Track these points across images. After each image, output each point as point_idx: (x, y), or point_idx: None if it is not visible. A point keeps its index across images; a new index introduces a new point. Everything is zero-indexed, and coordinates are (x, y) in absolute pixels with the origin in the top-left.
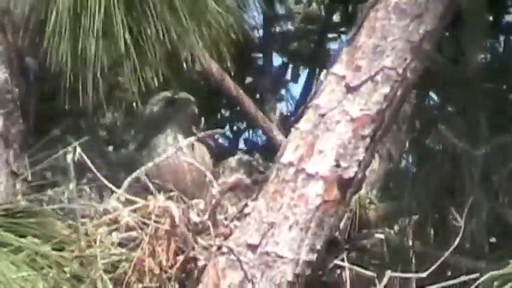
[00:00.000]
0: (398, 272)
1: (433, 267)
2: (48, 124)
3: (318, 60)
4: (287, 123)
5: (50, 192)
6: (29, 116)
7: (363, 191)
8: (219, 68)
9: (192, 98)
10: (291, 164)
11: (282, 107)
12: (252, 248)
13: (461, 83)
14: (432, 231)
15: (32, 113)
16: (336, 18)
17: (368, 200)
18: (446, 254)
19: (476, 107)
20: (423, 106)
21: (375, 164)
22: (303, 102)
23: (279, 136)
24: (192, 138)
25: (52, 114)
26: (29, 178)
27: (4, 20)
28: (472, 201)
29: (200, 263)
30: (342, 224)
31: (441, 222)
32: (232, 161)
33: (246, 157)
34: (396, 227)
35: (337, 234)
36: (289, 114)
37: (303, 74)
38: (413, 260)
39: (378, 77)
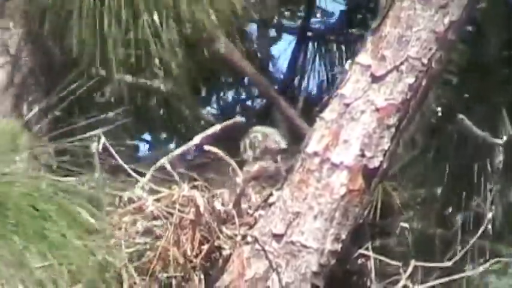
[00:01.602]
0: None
1: (458, 256)
2: (73, 113)
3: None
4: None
5: (75, 180)
6: (54, 105)
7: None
8: (240, 53)
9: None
10: (316, 154)
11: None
12: (277, 237)
13: (482, 70)
14: (456, 219)
15: (57, 101)
16: None
17: (392, 188)
18: (472, 242)
19: (497, 93)
20: (444, 93)
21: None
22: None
23: (302, 124)
24: (214, 128)
25: (77, 103)
26: (54, 167)
27: (29, 7)
28: (495, 188)
29: (225, 252)
30: (366, 213)
31: (465, 210)
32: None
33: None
34: (420, 215)
35: (361, 222)
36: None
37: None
38: (438, 248)
39: (403, 67)
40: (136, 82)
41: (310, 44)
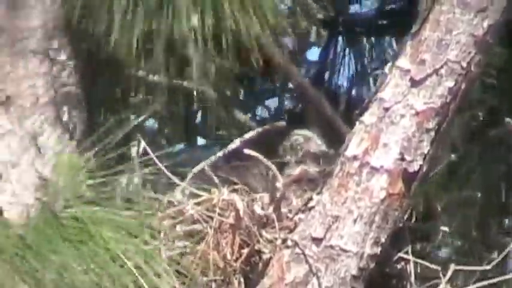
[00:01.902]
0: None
1: (497, 259)
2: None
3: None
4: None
5: (114, 183)
6: (93, 108)
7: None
8: (283, 57)
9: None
10: (355, 158)
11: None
12: (317, 241)
13: None
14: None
15: (96, 103)
16: None
17: (433, 191)
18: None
19: None
20: (487, 97)
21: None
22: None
23: (343, 128)
24: (255, 131)
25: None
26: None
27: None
28: None
29: (265, 256)
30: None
31: (505, 214)
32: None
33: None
34: (461, 218)
35: (401, 226)
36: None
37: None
38: (478, 252)
39: (442, 71)
40: (175, 84)
41: (340, 38)
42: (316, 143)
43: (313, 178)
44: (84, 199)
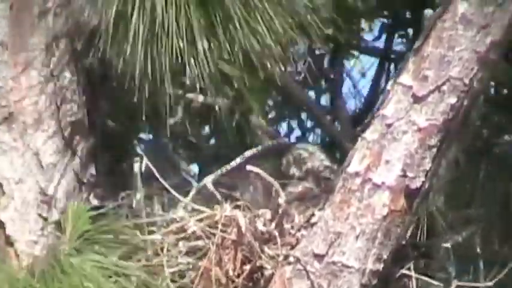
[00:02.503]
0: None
1: (499, 276)
2: (114, 134)
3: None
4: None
5: (117, 200)
6: (95, 125)
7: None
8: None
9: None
10: (357, 174)
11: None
12: (319, 257)
13: None
14: (500, 240)
15: (99, 120)
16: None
17: (435, 208)
18: None
19: None
20: (490, 113)
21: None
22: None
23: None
24: (259, 148)
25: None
26: (97, 187)
27: (72, 29)
28: None
29: (267, 272)
30: (408, 233)
31: (508, 230)
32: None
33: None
34: (464, 235)
35: (403, 243)
36: (358, 111)
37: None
38: (481, 268)
39: (445, 87)
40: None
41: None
42: (319, 158)
43: (316, 195)
44: (90, 248)
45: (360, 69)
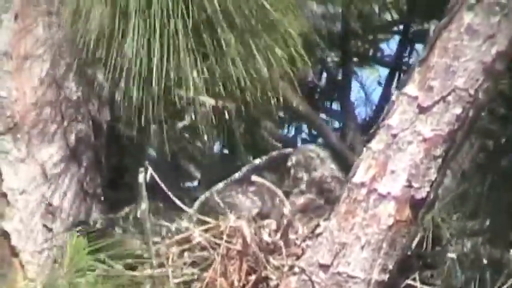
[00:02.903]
0: None
1: (506, 286)
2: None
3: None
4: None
5: (122, 211)
6: (101, 135)
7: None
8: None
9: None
10: (362, 184)
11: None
12: (324, 268)
13: None
14: (505, 250)
15: (104, 131)
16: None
17: (440, 218)
18: None
19: None
20: (496, 125)
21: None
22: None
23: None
24: (260, 160)
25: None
26: (102, 198)
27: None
28: None
29: (272, 283)
30: (414, 243)
31: None
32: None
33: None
34: (469, 245)
35: (409, 253)
36: (368, 118)
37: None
38: (487, 279)
39: (450, 98)
40: None
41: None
42: (329, 167)
43: (319, 206)
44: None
45: (376, 77)
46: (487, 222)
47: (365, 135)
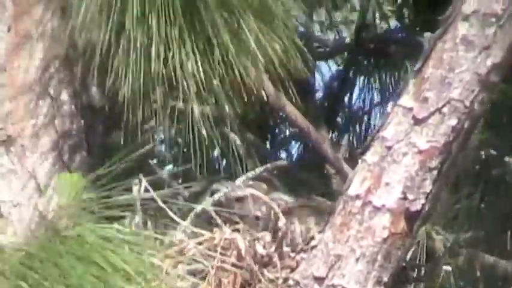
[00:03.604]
0: None
1: None
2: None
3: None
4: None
5: (116, 223)
6: (93, 147)
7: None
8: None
9: None
10: (357, 197)
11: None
12: (319, 280)
13: None
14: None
15: (96, 144)
16: None
17: (435, 231)
18: None
19: None
20: (489, 137)
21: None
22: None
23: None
24: (258, 170)
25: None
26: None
27: (70, 52)
28: None
29: None
30: (409, 256)
31: (508, 253)
32: None
33: None
34: (463, 258)
35: (404, 265)
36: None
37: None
38: None
39: (445, 109)
40: None
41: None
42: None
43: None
44: (88, 217)
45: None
46: (482, 234)
47: (360, 147)
